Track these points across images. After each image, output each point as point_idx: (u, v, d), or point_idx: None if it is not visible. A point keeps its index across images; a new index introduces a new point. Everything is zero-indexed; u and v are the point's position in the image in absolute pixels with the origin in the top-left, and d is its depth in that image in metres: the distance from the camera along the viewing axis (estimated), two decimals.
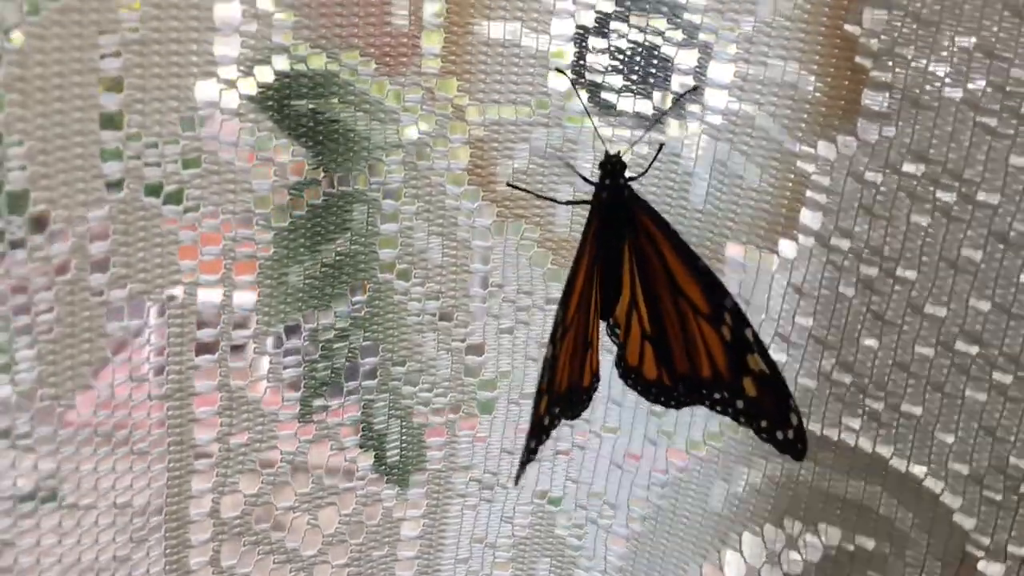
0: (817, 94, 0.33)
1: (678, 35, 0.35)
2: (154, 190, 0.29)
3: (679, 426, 0.40)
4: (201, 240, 0.32)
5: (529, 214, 0.39)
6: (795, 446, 0.30)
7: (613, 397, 0.41)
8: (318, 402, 0.37)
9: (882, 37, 0.31)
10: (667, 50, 0.36)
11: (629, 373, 0.33)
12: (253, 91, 0.31)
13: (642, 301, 0.32)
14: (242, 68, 0.31)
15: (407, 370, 0.39)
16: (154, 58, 0.28)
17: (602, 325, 0.34)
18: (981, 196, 0.30)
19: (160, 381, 0.33)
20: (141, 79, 0.29)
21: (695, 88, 0.35)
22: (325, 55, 0.33)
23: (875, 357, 0.34)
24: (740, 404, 0.30)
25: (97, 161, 0.28)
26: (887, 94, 0.31)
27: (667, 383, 0.32)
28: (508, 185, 0.36)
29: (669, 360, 0.32)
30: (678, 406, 0.32)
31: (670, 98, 0.36)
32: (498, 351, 0.40)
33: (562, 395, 0.31)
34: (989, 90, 0.29)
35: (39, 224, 0.27)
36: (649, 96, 0.37)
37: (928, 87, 0.30)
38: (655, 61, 0.36)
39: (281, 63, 0.32)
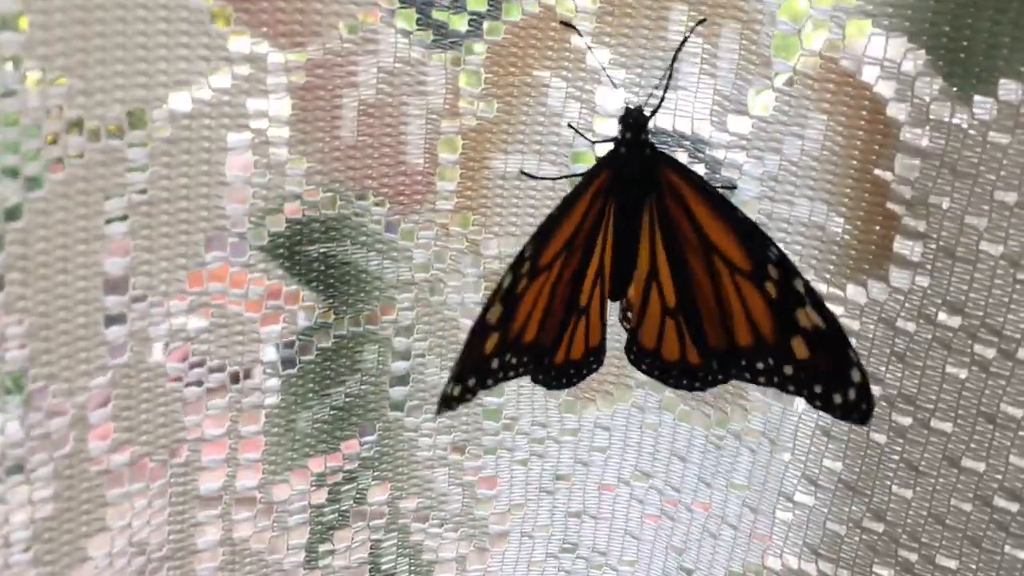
0: (846, 236, 0.32)
1: (700, 170, 0.34)
2: (159, 350, 0.28)
3: (700, 562, 0.39)
4: (207, 394, 0.30)
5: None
6: (859, 406, 0.26)
7: (630, 530, 0.40)
8: (324, 547, 0.35)
9: (915, 185, 0.30)
10: None
11: (644, 357, 0.30)
12: (264, 240, 0.30)
13: (666, 272, 0.29)
14: (253, 219, 0.29)
15: (416, 507, 0.37)
16: (162, 218, 0.27)
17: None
18: (1022, 354, 0.29)
19: (160, 543, 0.31)
20: (148, 240, 0.27)
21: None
22: (338, 199, 0.31)
23: (908, 507, 0.33)
24: (788, 370, 0.27)
25: (100, 328, 0.27)
26: (921, 243, 0.30)
27: (694, 362, 0.29)
28: (522, 173, 0.33)
29: (699, 333, 0.29)
30: (705, 386, 0.29)
31: None
32: (511, 483, 0.39)
33: (524, 346, 0.28)
34: None
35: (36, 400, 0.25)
36: None
37: (965, 239, 0.29)
38: None
39: (293, 210, 0.30)
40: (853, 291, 0.32)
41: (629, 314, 0.31)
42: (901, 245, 0.31)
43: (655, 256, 0.29)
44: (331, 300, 0.32)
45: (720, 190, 0.30)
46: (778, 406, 0.35)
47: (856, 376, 0.26)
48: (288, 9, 0.28)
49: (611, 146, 0.30)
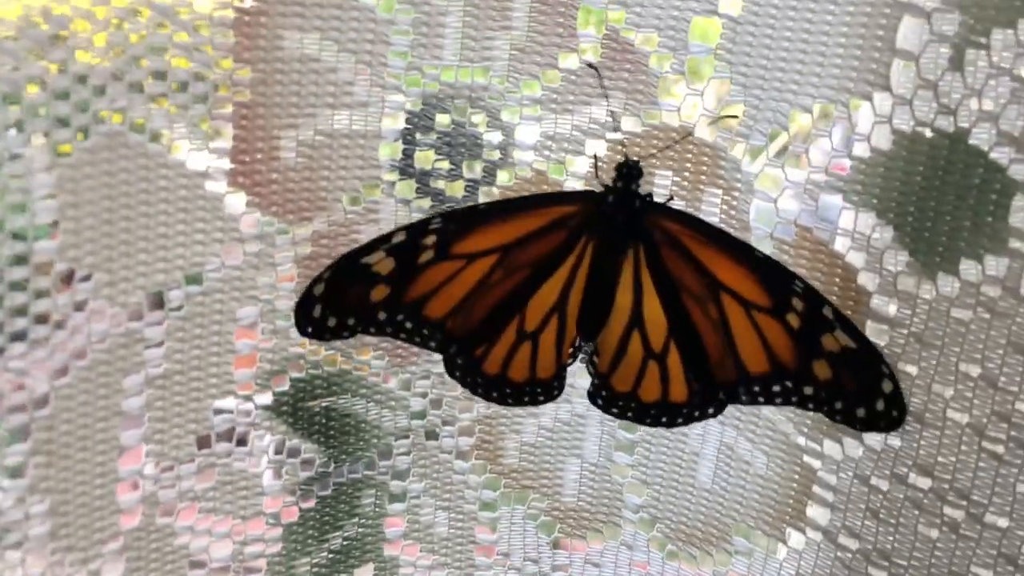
0: None
1: None
2: (168, 511, 0.29)
3: None
4: (210, 548, 0.31)
5: (537, 484, 0.39)
6: (889, 415, 0.29)
7: None
8: None
9: (885, 351, 0.32)
10: None
11: (616, 401, 0.31)
12: (268, 400, 0.32)
13: (653, 317, 0.29)
14: (259, 382, 0.31)
15: None
16: (175, 388, 0.29)
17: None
18: (989, 518, 0.31)
19: None
20: (162, 411, 0.29)
21: None
22: (339, 356, 0.33)
23: None
24: (808, 390, 0.29)
25: (114, 498, 0.28)
26: None
27: (678, 400, 0.30)
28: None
29: (704, 370, 0.29)
30: (688, 421, 0.30)
31: None
32: None
33: (425, 319, 0.29)
34: (994, 419, 0.30)
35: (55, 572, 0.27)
36: None
37: (932, 406, 0.31)
38: None
39: (297, 370, 0.32)
40: (829, 447, 0.34)
41: (595, 359, 0.31)
42: None
43: (639, 302, 0.29)
44: (331, 450, 0.34)
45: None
46: (760, 552, 0.36)
47: (887, 387, 0.28)
48: (296, 188, 0.30)
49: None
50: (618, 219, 0.29)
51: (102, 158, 0.24)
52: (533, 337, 0.30)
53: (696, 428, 0.37)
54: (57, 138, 0.23)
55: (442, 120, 0.32)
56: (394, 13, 0.30)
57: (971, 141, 0.29)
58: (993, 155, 0.28)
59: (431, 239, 0.28)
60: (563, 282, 0.30)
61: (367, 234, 0.33)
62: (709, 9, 0.31)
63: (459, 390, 0.36)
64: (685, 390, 0.30)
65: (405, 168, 0.32)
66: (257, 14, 0.28)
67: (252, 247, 0.29)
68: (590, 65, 0.31)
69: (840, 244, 0.33)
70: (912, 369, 0.31)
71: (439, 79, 0.32)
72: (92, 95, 0.24)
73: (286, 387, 0.32)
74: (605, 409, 0.31)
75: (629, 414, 0.31)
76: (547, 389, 0.31)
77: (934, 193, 0.30)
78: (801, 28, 0.31)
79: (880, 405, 0.28)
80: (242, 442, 0.31)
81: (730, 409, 0.34)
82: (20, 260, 0.23)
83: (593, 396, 0.31)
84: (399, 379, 0.35)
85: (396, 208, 0.33)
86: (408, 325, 0.29)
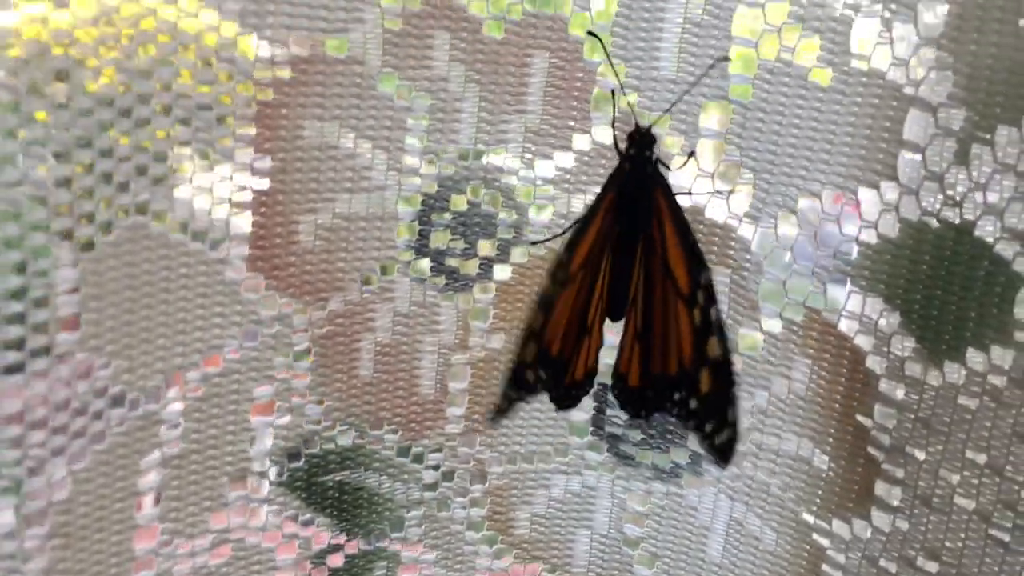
0: (831, 473, 0.34)
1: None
2: None
3: None
4: None
5: (547, 555, 0.39)
6: (727, 448, 0.27)
7: None
8: None
9: (893, 434, 0.32)
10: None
11: (617, 383, 0.30)
12: (283, 476, 0.32)
13: (640, 295, 0.28)
14: (274, 458, 0.32)
15: None
16: (192, 467, 0.29)
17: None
18: None
19: None
20: (178, 489, 0.29)
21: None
22: (353, 431, 0.34)
23: None
24: (693, 404, 0.27)
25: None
26: (900, 489, 0.32)
27: (640, 385, 0.29)
28: (532, 243, 0.33)
29: (647, 358, 0.28)
30: (648, 415, 0.30)
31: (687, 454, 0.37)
32: None
33: (551, 359, 0.28)
34: (1000, 507, 0.30)
35: None
36: (667, 451, 0.37)
37: (939, 491, 0.31)
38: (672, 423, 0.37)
39: (311, 447, 0.32)
40: (838, 526, 0.34)
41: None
42: (881, 489, 0.33)
43: (638, 283, 0.29)
44: (344, 523, 0.34)
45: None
46: None
47: (731, 416, 0.27)
48: (314, 270, 0.31)
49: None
50: (634, 193, 0.28)
51: (125, 250, 0.25)
52: (591, 332, 0.29)
53: (706, 503, 0.37)
54: (80, 234, 0.23)
55: (457, 201, 0.33)
56: (411, 99, 0.31)
57: (976, 233, 0.29)
58: (998, 248, 0.29)
59: (560, 274, 0.27)
60: (605, 269, 0.29)
61: (381, 312, 0.33)
62: (720, 95, 0.32)
63: (471, 462, 0.36)
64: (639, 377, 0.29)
65: (420, 248, 0.33)
66: (278, 106, 0.28)
67: (270, 329, 0.30)
68: (591, 33, 0.31)
69: (848, 327, 0.33)
70: (920, 454, 0.31)
71: (455, 161, 0.33)
72: (116, 191, 0.24)
73: (300, 463, 0.32)
74: (611, 389, 0.30)
75: (621, 399, 0.30)
76: (591, 377, 0.30)
77: (940, 282, 0.30)
78: (810, 116, 0.32)
79: (726, 435, 0.27)
80: (256, 517, 0.31)
81: (740, 484, 0.35)
82: (43, 351, 0.23)
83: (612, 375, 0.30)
84: (412, 452, 0.35)
85: (411, 287, 0.33)
86: (542, 375, 0.28)
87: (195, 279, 0.28)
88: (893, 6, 0.29)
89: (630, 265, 0.28)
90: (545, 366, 0.28)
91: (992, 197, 0.29)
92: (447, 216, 0.33)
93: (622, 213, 0.28)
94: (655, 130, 0.29)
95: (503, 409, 0.28)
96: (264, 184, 0.29)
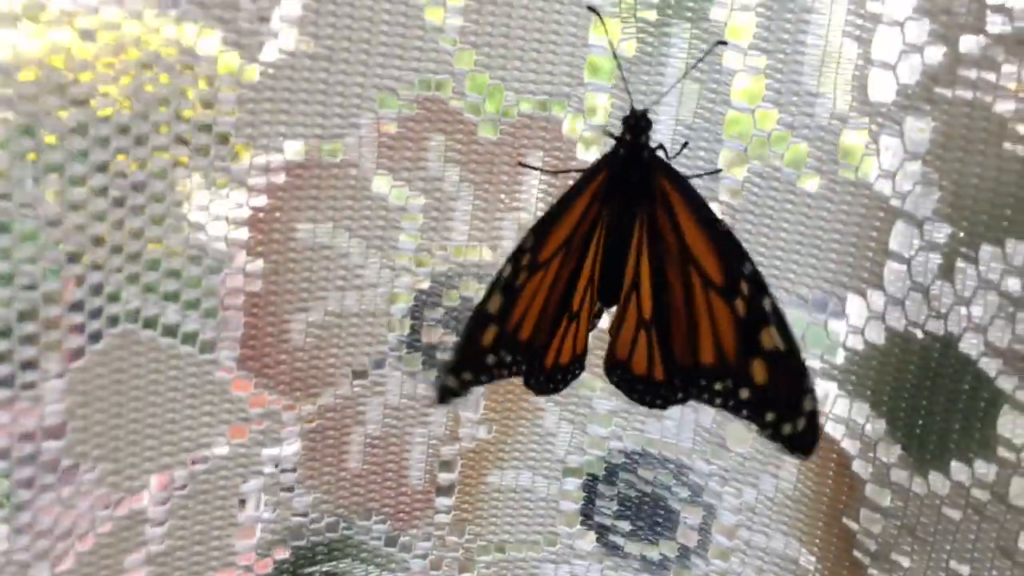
0: (817, 575, 0.34)
1: (684, 492, 0.36)
2: None
3: None
4: None
5: None
6: (804, 438, 0.26)
7: None
8: None
9: (879, 540, 0.32)
10: (673, 504, 0.37)
11: (615, 369, 0.29)
12: (269, 569, 0.32)
13: (646, 282, 0.28)
14: (259, 551, 0.32)
15: None
16: (177, 564, 0.30)
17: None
18: None
19: None
20: None
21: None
22: (341, 523, 0.34)
23: None
24: (744, 394, 0.26)
25: None
26: None
27: (659, 378, 0.28)
28: (519, 164, 0.32)
29: (668, 348, 0.27)
30: (666, 404, 0.28)
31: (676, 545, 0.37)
32: None
33: (519, 344, 0.27)
34: None
35: None
36: (656, 543, 0.37)
37: None
38: (661, 512, 0.37)
39: (298, 539, 0.33)
40: None
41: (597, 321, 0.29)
42: None
43: (638, 267, 0.28)
44: None
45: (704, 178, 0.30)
46: None
47: (807, 405, 0.26)
48: (304, 367, 0.31)
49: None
50: (629, 176, 0.28)
51: (114, 357, 0.26)
52: (578, 317, 0.28)
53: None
54: (69, 345, 0.24)
55: (450, 296, 0.34)
56: (406, 200, 0.32)
57: (960, 347, 0.29)
58: (981, 364, 0.29)
59: (526, 259, 0.26)
60: (594, 253, 0.28)
61: (371, 405, 0.34)
62: (709, 197, 0.32)
63: (459, 551, 0.37)
64: (663, 369, 0.28)
65: (412, 343, 0.33)
66: (272, 210, 0.29)
67: (258, 425, 0.30)
68: (591, 8, 0.30)
69: (834, 430, 0.33)
70: (905, 561, 0.31)
71: (448, 259, 0.33)
72: (106, 302, 0.25)
73: (287, 555, 0.33)
74: (609, 376, 0.29)
75: (624, 386, 0.29)
76: (581, 360, 0.29)
77: (925, 392, 0.31)
78: (798, 222, 0.32)
79: (801, 424, 0.26)
80: None
81: (738, 544, 0.35)
82: (29, 459, 0.24)
83: (604, 360, 0.29)
84: (400, 542, 0.35)
85: (402, 380, 0.34)
86: (508, 359, 0.27)
87: (184, 380, 0.28)
88: (880, 120, 0.30)
89: (625, 250, 0.28)
90: (511, 350, 0.27)
91: (976, 312, 0.29)
92: (439, 311, 0.34)
93: (614, 197, 0.28)
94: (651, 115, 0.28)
95: (453, 391, 0.26)
96: (256, 286, 0.29)
